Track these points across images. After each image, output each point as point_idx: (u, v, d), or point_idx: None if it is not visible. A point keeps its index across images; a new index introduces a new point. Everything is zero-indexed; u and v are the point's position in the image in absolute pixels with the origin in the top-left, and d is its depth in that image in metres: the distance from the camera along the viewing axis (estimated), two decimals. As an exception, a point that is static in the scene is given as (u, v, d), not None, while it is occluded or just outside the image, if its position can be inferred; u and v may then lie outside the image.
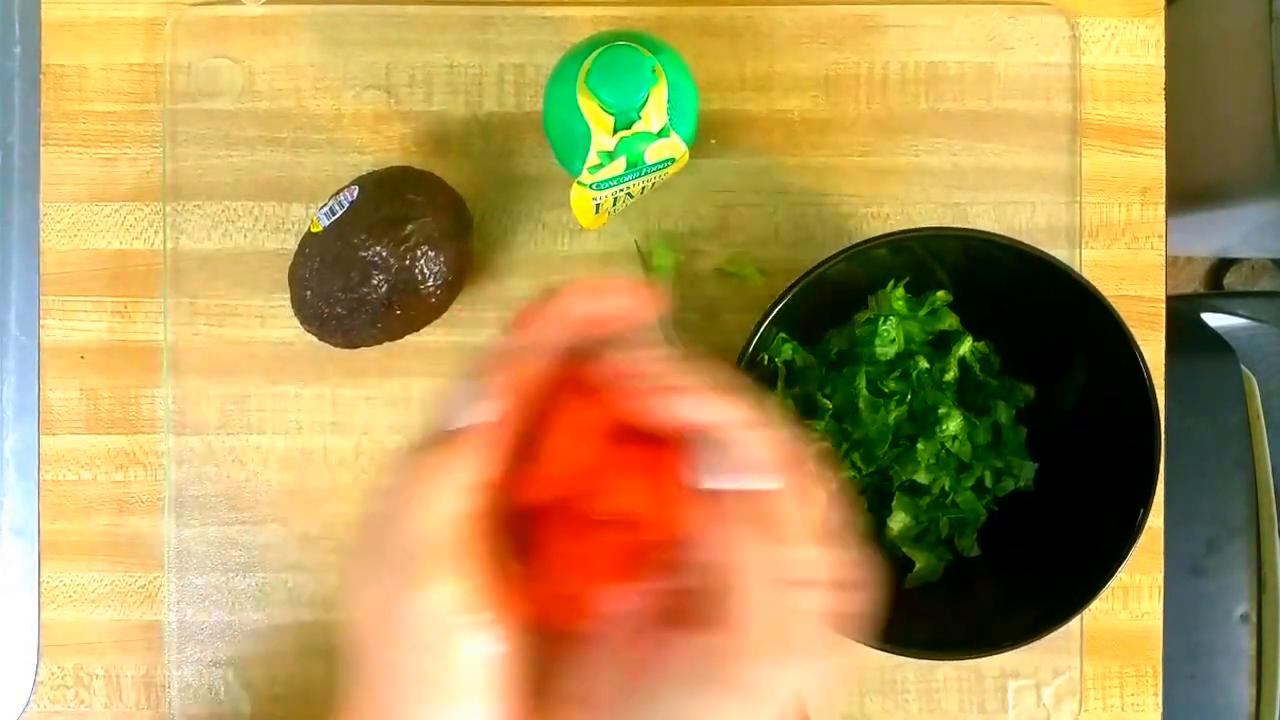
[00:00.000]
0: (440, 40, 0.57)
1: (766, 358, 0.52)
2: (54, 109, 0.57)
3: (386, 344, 0.53)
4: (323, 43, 0.57)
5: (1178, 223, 0.59)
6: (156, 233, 0.57)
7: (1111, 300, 0.48)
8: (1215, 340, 0.77)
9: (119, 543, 0.57)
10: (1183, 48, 0.59)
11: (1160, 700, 0.57)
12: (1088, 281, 0.48)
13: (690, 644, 0.29)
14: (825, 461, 0.29)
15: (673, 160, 0.49)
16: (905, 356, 0.52)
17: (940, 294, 0.53)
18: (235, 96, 0.57)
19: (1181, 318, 0.68)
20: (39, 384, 0.57)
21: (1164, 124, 0.58)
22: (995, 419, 0.53)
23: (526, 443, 0.31)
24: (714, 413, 0.29)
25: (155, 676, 0.56)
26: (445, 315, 0.54)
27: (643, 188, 0.52)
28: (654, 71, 0.45)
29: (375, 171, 0.53)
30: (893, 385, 0.52)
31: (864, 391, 0.52)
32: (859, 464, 0.52)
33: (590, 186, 0.48)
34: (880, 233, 0.49)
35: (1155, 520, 0.56)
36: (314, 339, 0.52)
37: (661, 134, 0.47)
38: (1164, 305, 0.58)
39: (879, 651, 0.47)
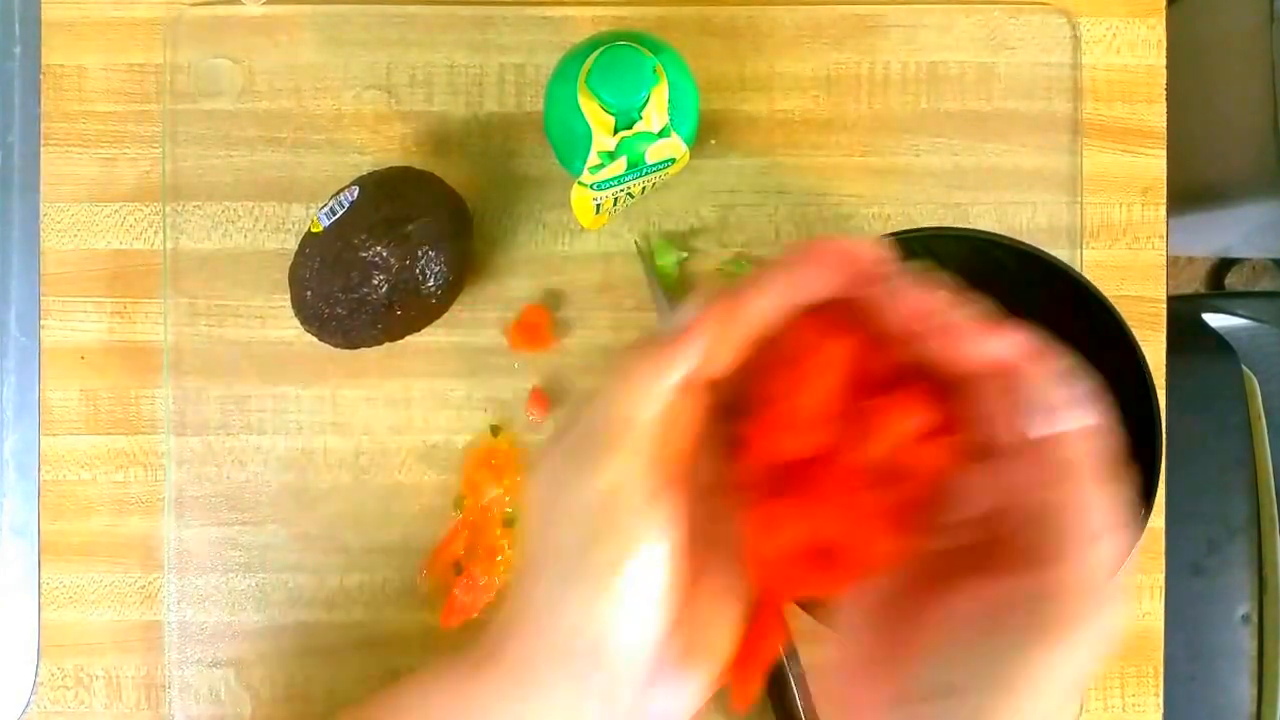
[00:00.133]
0: (441, 40, 0.57)
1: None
2: (54, 109, 0.57)
3: (387, 344, 0.53)
4: (323, 43, 0.57)
5: (1179, 223, 0.59)
6: (156, 233, 0.57)
7: (1112, 300, 0.48)
8: (1216, 340, 0.77)
9: (119, 543, 0.57)
10: (1184, 48, 0.59)
11: (1161, 700, 0.57)
12: (1089, 282, 0.48)
13: (1004, 589, 0.29)
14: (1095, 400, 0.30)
15: (673, 160, 0.49)
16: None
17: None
18: (235, 96, 0.57)
19: (1182, 318, 0.68)
20: (39, 384, 0.57)
21: (1165, 124, 0.58)
22: None
23: (774, 396, 0.31)
24: (1014, 350, 0.30)
25: (155, 677, 0.56)
26: (445, 315, 0.54)
27: (643, 188, 0.52)
28: (655, 71, 0.45)
29: (376, 172, 0.53)
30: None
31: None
32: None
33: (591, 186, 0.48)
34: (881, 233, 0.49)
35: (1156, 520, 0.56)
36: (314, 339, 0.52)
37: (662, 134, 0.47)
38: (1165, 305, 0.58)
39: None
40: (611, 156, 0.47)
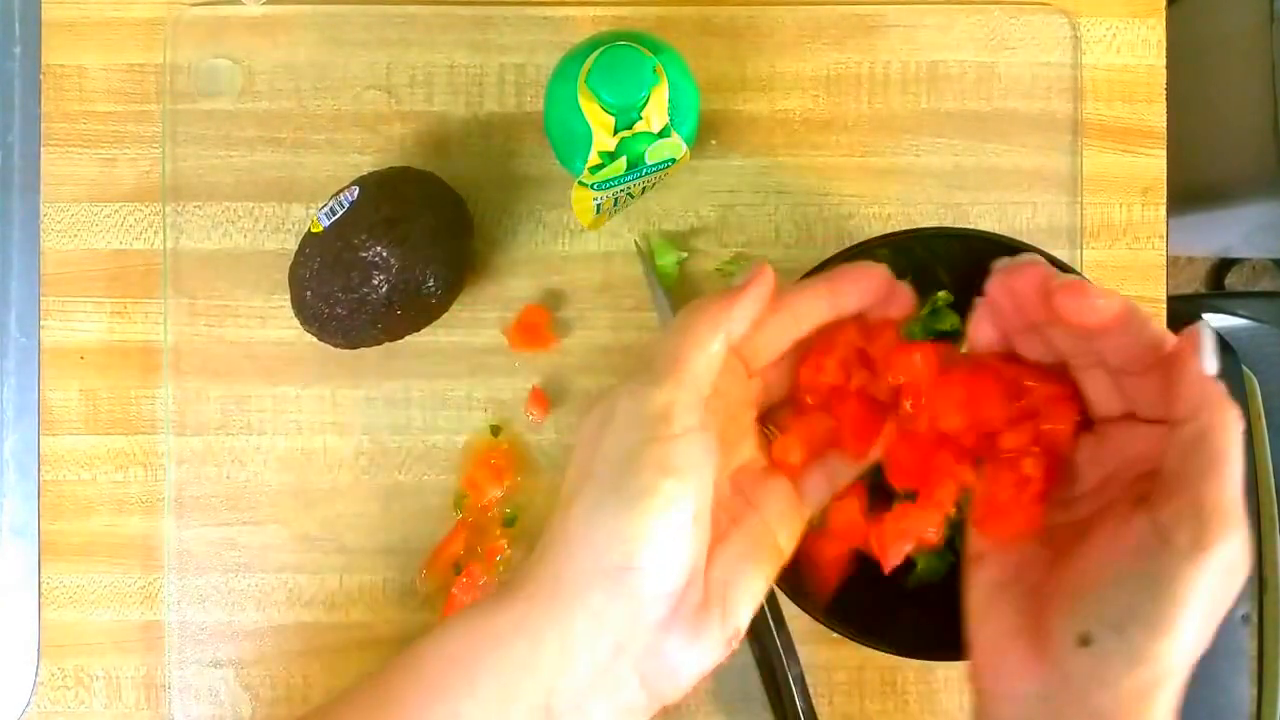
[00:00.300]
0: (441, 40, 0.57)
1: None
2: (54, 109, 0.57)
3: (387, 344, 0.53)
4: (323, 43, 0.57)
5: (1179, 223, 0.59)
6: (156, 233, 0.57)
7: (1113, 300, 0.48)
8: (1216, 341, 0.77)
9: (119, 543, 0.57)
10: (1184, 48, 0.59)
11: (1161, 701, 0.57)
12: (1089, 282, 0.48)
13: (1157, 516, 0.31)
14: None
15: (674, 160, 0.49)
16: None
17: (941, 294, 0.53)
18: (235, 96, 0.57)
19: (1182, 318, 0.68)
20: (39, 384, 0.57)
21: (1165, 124, 0.58)
22: None
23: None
24: (1121, 305, 0.34)
25: (155, 677, 0.56)
26: (445, 315, 0.54)
27: (643, 188, 0.52)
28: (655, 71, 0.45)
29: (376, 172, 0.53)
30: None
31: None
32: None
33: (591, 186, 0.48)
34: (881, 233, 0.49)
35: (1156, 521, 0.56)
36: (314, 339, 0.52)
37: (662, 134, 0.47)
38: (1165, 306, 0.58)
39: (879, 652, 0.47)
40: (611, 156, 0.47)
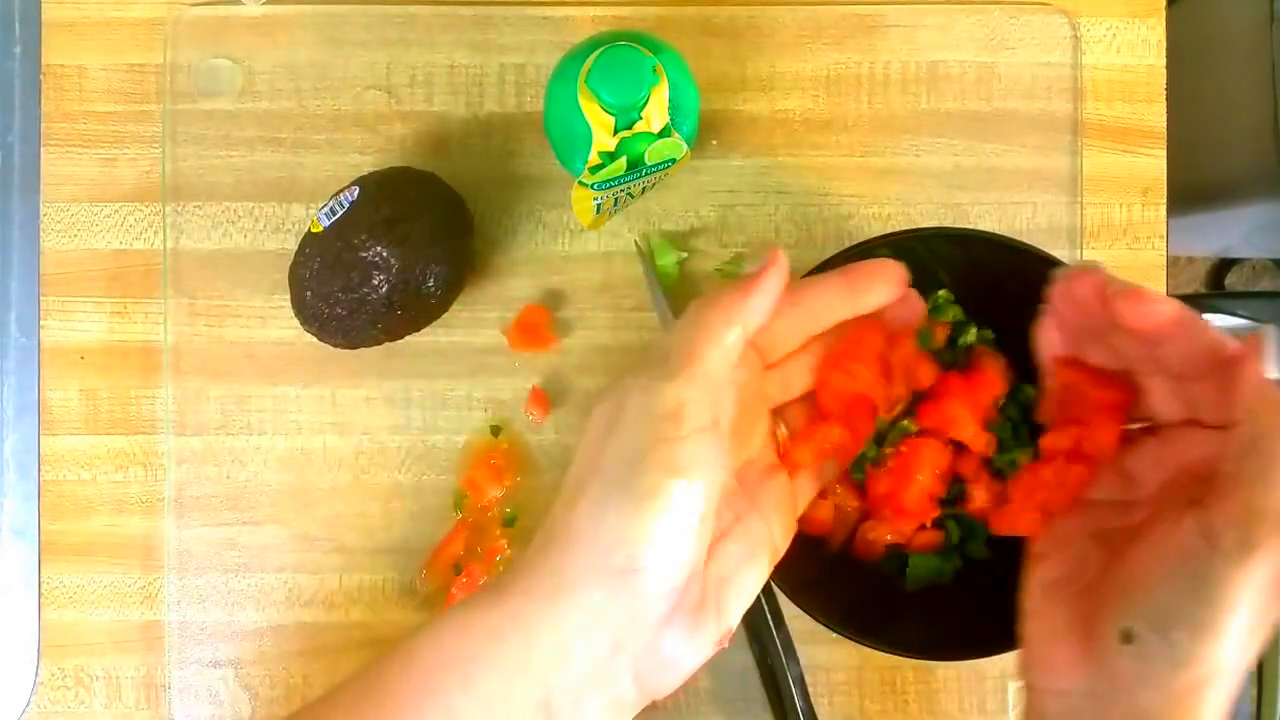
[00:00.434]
0: (441, 40, 0.57)
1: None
2: (54, 109, 0.57)
3: (387, 344, 0.53)
4: (323, 43, 0.57)
5: (1179, 223, 0.59)
6: (156, 233, 0.57)
7: (1113, 300, 0.48)
8: None
9: (119, 543, 0.57)
10: (1184, 48, 0.59)
11: (1161, 701, 0.57)
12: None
13: (1210, 515, 0.31)
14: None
15: (674, 160, 0.49)
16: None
17: (942, 293, 0.53)
18: (235, 96, 0.57)
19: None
20: (39, 384, 0.57)
21: (1165, 124, 0.58)
22: (1006, 415, 0.53)
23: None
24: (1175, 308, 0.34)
25: (155, 677, 0.56)
26: (445, 315, 0.54)
27: (644, 188, 0.52)
28: (655, 71, 0.45)
29: (376, 172, 0.53)
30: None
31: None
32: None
33: (591, 186, 0.48)
34: (881, 233, 0.49)
35: (1156, 521, 0.56)
36: (314, 339, 0.52)
37: (662, 134, 0.47)
38: (1165, 305, 0.58)
39: (879, 652, 0.47)
40: (611, 156, 0.47)
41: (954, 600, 0.51)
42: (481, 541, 0.56)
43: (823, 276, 0.39)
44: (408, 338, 0.53)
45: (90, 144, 0.57)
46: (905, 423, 0.44)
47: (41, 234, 0.57)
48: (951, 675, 0.57)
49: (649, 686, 0.33)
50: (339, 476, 0.57)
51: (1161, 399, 0.37)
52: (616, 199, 0.51)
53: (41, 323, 0.57)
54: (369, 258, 0.49)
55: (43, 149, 0.57)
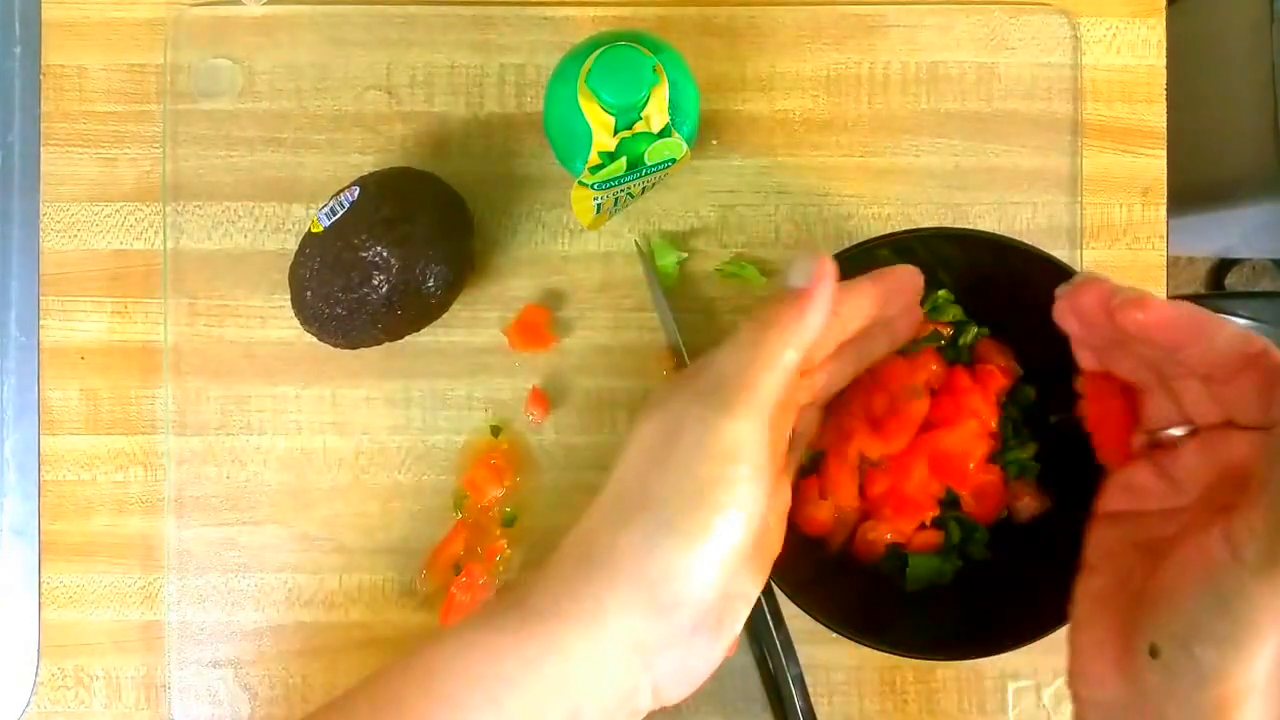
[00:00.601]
0: (441, 40, 0.57)
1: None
2: (54, 109, 0.57)
3: (387, 344, 0.53)
4: (323, 43, 0.57)
5: (1179, 223, 0.59)
6: (156, 233, 0.57)
7: (1113, 301, 0.48)
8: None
9: (119, 543, 0.57)
10: (1184, 48, 0.59)
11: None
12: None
13: (1242, 525, 0.30)
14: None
15: (674, 160, 0.49)
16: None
17: (942, 293, 0.53)
18: (235, 96, 0.57)
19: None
20: (39, 384, 0.57)
21: (1165, 124, 0.58)
22: (1007, 415, 0.53)
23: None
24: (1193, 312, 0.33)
25: (155, 677, 0.56)
26: (445, 315, 0.54)
27: (644, 188, 0.52)
28: (655, 71, 0.45)
29: (376, 172, 0.53)
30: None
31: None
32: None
33: (591, 186, 0.48)
34: (881, 233, 0.49)
35: (1156, 521, 0.56)
36: (314, 339, 0.52)
37: (663, 134, 0.47)
38: (1165, 306, 0.58)
39: (879, 652, 0.47)
40: (611, 156, 0.47)
41: (954, 600, 0.51)
42: (481, 542, 0.56)
43: (856, 283, 0.39)
44: (408, 338, 0.53)
45: (90, 144, 0.57)
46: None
47: (41, 234, 0.57)
48: (951, 675, 0.57)
49: (664, 697, 0.34)
50: (339, 476, 0.57)
51: (1194, 402, 0.35)
52: (616, 199, 0.51)
53: (41, 323, 0.57)
54: (369, 258, 0.49)
55: (43, 149, 0.57)
